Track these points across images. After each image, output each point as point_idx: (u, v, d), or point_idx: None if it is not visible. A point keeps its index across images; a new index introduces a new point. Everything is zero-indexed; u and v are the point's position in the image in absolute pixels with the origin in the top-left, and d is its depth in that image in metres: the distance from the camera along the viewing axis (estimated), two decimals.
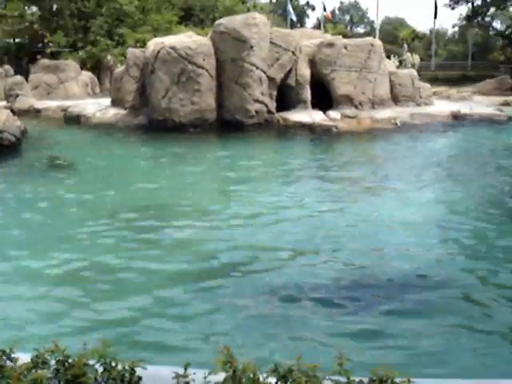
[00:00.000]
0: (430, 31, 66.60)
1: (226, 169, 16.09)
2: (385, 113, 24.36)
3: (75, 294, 7.11)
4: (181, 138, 20.84)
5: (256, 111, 22.70)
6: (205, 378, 2.94)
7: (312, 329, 6.18)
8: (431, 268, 7.97)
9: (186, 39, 23.88)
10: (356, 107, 24.44)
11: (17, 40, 44.74)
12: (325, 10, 51.72)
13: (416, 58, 38.72)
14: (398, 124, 23.68)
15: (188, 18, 48.32)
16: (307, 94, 24.13)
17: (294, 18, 43.31)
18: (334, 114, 23.75)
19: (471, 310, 6.68)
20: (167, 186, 13.72)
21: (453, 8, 65.13)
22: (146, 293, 7.10)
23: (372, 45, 25.06)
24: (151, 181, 14.12)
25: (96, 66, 39.27)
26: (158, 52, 22.87)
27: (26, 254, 8.68)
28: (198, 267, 8.09)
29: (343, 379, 2.93)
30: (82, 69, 37.09)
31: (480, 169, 15.77)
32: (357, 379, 2.95)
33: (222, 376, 2.88)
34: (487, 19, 74.51)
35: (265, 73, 22.94)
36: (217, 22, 24.50)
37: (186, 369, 3.00)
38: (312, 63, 24.52)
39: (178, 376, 2.95)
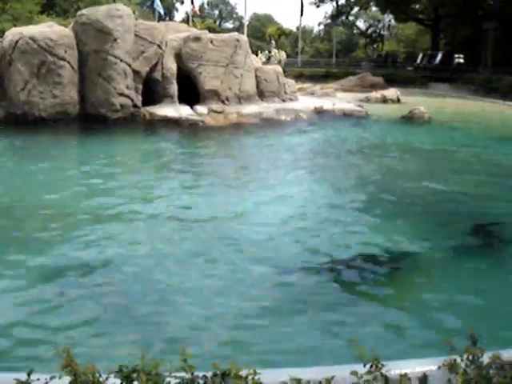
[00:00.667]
0: (297, 28, 68.35)
1: (85, 165, 15.59)
2: (251, 108, 24.65)
3: None
4: (40, 133, 19.97)
5: (121, 105, 22.24)
6: (46, 383, 2.84)
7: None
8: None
9: (47, 30, 22.92)
10: (223, 102, 24.54)
11: None
12: (192, 3, 51.58)
13: (282, 55, 39.74)
14: (264, 119, 24.06)
15: (51, 8, 46.56)
16: (174, 88, 23.94)
17: (162, 12, 42.86)
18: (200, 108, 23.73)
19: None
20: (15, 185, 13.04)
21: (318, 6, 67.28)
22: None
23: (238, 40, 25.24)
24: None
25: None
26: (17, 42, 21.77)
27: None
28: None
29: (187, 375, 2.91)
30: None
31: (337, 161, 16.48)
32: (200, 374, 2.94)
33: (65, 380, 2.78)
34: (351, 18, 77.65)
35: (129, 66, 22.53)
36: (79, 12, 23.77)
37: (29, 375, 2.86)
38: (178, 57, 24.33)
39: (20, 383, 2.81)
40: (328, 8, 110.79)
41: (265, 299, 6.81)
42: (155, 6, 44.60)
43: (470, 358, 3.12)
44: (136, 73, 22.83)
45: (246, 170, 15.04)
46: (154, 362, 2.94)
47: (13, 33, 22.81)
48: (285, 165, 15.76)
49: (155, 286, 7.14)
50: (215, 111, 23.84)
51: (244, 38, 26.40)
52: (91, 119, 21.84)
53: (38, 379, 2.86)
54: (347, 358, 3.59)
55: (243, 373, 2.93)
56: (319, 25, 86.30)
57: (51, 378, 2.86)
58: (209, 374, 2.95)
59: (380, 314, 6.51)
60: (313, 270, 7.79)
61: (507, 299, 7.02)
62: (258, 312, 6.48)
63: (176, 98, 23.91)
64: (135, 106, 22.75)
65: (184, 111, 23.19)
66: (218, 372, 2.94)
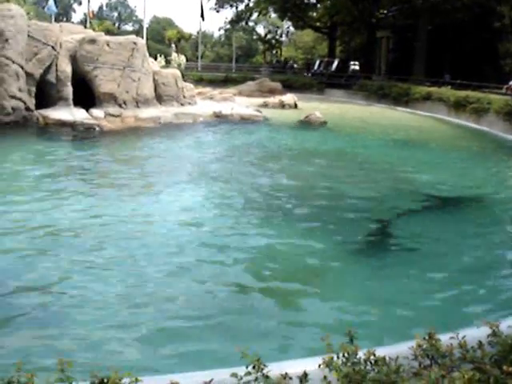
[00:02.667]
0: (197, 33, 68.37)
1: None
2: (149, 112, 24.44)
3: None
4: None
5: (13, 108, 21.44)
6: None
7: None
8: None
9: None
10: (120, 106, 24.18)
11: None
12: (89, 2, 50.58)
13: (182, 59, 39.58)
14: (162, 123, 23.93)
15: None
16: (68, 91, 23.32)
17: (55, 10, 41.65)
18: (97, 112, 23.26)
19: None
20: None
21: (218, 11, 67.48)
22: None
23: (135, 43, 24.94)
24: None
25: None
26: None
27: None
28: None
29: None
30: None
31: (233, 166, 16.65)
32: None
33: None
34: (251, 24, 78.48)
35: (22, 68, 21.79)
36: None
37: None
38: (74, 59, 23.77)
39: None
40: (228, 13, 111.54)
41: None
42: (46, 9, 43.33)
43: (346, 355, 3.23)
44: (29, 75, 22.11)
45: (140, 175, 14.87)
46: (29, 374, 2.88)
47: None
48: (179, 170, 15.64)
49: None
50: (112, 115, 23.46)
51: (141, 41, 26.16)
52: None
53: None
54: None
55: (125, 381, 2.92)
56: (219, 30, 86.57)
57: None
58: (87, 383, 2.92)
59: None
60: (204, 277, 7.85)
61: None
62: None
63: (71, 101, 23.30)
64: (28, 109, 22.01)
65: (79, 115, 22.64)
66: (95, 380, 2.91)
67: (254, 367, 3.14)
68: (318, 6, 59.67)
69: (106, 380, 2.91)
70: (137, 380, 2.94)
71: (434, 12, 43.67)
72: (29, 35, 22.31)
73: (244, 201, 12.25)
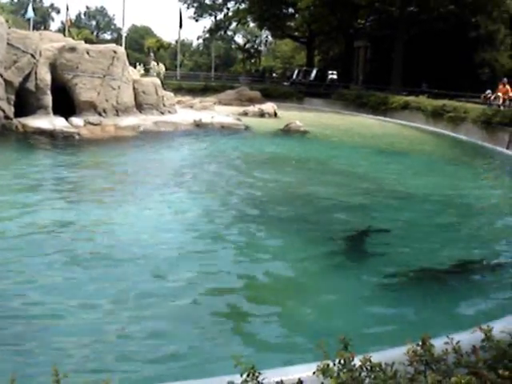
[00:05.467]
0: (176, 42, 68.36)
1: None
2: (129, 120, 24.36)
3: None
4: None
5: None
6: None
7: None
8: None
9: None
10: (100, 114, 24.06)
11: None
12: (67, 11, 50.48)
13: (161, 68, 39.57)
14: (142, 131, 23.86)
15: None
16: (48, 99, 23.15)
17: (31, 15, 41.56)
18: (76, 120, 23.12)
19: None
20: None
21: (197, 20, 67.59)
22: None
23: (115, 52, 24.87)
24: None
25: None
26: None
27: None
28: None
29: None
30: None
31: (214, 174, 16.69)
32: None
33: None
34: (229, 33, 78.66)
35: (1, 76, 21.62)
36: None
37: None
38: (53, 67, 23.63)
39: None
40: (207, 22, 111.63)
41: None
42: (27, 15, 43.25)
43: (342, 361, 3.25)
44: (8, 83, 21.93)
45: (118, 183, 14.81)
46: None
47: None
48: (159, 178, 15.52)
49: None
50: (92, 123, 23.32)
51: (121, 49, 26.10)
52: None
53: None
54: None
55: None
56: (198, 39, 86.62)
57: None
58: None
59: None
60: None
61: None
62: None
63: (50, 110, 23.13)
64: (7, 117, 21.83)
65: (59, 123, 22.48)
66: None
67: (248, 375, 3.15)
68: (297, 15, 60.03)
69: None
70: None
71: (410, 22, 44.21)
72: (8, 43, 22.14)
73: (223, 209, 12.23)
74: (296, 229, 10.87)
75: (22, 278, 7.75)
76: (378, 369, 3.26)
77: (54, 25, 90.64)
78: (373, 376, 3.20)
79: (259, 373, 3.15)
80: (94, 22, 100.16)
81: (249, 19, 65.37)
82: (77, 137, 21.89)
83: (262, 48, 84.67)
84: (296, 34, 64.28)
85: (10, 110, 22.09)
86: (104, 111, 24.19)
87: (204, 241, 9.81)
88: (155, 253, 9.00)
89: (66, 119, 23.05)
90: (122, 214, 11.53)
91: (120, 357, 5.70)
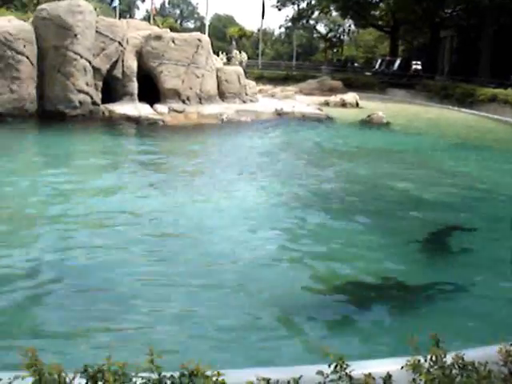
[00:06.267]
0: (258, 30, 68.44)
1: (44, 163, 15.36)
2: (211, 108, 24.64)
3: None
4: None
5: (80, 102, 21.97)
6: (10, 383, 2.77)
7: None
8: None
9: (6, 23, 22.48)
10: (183, 102, 24.47)
11: None
12: (152, 2, 51.28)
13: (244, 56, 39.66)
14: (225, 120, 24.08)
15: (10, 2, 45.61)
16: (134, 86, 23.75)
17: (117, 3, 42.52)
18: (161, 107, 23.62)
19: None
20: None
21: (279, 9, 67.31)
22: None
23: (200, 40, 25.19)
24: None
25: None
26: None
27: None
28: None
29: (155, 375, 2.90)
30: None
31: (297, 164, 16.56)
32: (168, 374, 2.93)
33: (30, 380, 2.73)
34: (312, 22, 78.04)
35: (90, 62, 22.28)
36: (39, 7, 23.43)
37: None
38: (139, 55, 24.18)
39: None
40: (289, 11, 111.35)
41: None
42: (113, 4, 44.26)
43: (434, 358, 3.18)
44: (96, 70, 22.59)
45: (199, 169, 15.07)
46: (121, 362, 2.92)
47: None
48: (242, 166, 15.75)
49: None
50: (175, 110, 23.75)
51: (206, 38, 26.35)
52: (49, 116, 21.51)
53: (1, 379, 2.80)
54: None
55: (210, 373, 2.94)
56: (280, 27, 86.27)
57: (15, 378, 2.80)
58: (176, 374, 2.94)
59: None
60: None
61: None
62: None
63: (136, 96, 23.74)
64: (94, 103, 22.50)
65: (144, 110, 23.04)
66: (185, 372, 2.94)
67: (336, 366, 3.13)
68: (381, 4, 58.93)
69: (194, 372, 2.94)
70: (219, 374, 2.97)
71: (500, 11, 42.60)
72: (97, 31, 22.78)
73: (306, 199, 12.15)
74: (378, 224, 10.63)
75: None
76: (470, 367, 3.18)
77: (139, 13, 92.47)
78: (465, 374, 3.12)
79: (347, 364, 3.13)
80: (177, 11, 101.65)
81: (332, 8, 64.65)
82: (161, 123, 22.37)
83: (345, 37, 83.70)
84: (380, 23, 63.15)
85: (98, 96, 22.74)
86: (187, 99, 24.56)
87: (283, 231, 9.81)
88: (240, 239, 9.12)
89: (151, 106, 23.57)
90: (203, 198, 11.71)
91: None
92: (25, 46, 21.58)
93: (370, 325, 6.43)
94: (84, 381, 2.81)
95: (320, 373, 3.14)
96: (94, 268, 7.62)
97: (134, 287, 7.04)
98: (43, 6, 23.07)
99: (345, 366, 3.14)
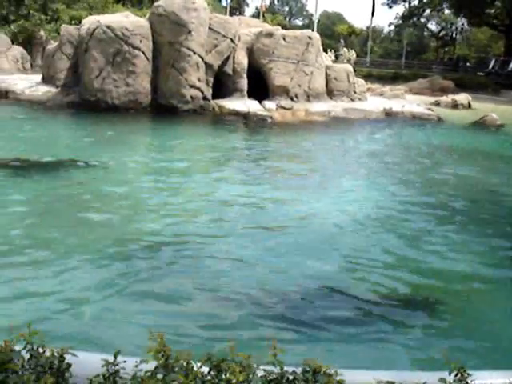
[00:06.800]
0: (367, 28, 67.61)
1: (157, 155, 15.82)
2: (319, 106, 24.57)
3: None
4: (113, 121, 20.35)
5: (191, 97, 22.49)
6: (136, 366, 2.84)
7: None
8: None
9: (123, 19, 23.39)
10: (291, 99, 24.54)
11: None
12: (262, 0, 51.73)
13: (352, 54, 39.37)
14: (332, 118, 23.94)
15: None
16: (244, 82, 24.06)
17: (228, 0, 43.21)
18: (269, 104, 23.81)
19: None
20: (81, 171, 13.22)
21: (390, 7, 66.38)
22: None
23: (310, 38, 25.16)
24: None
25: (28, 41, 37.91)
26: (94, 30, 22.26)
27: None
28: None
29: (276, 369, 2.90)
30: (12, 43, 35.73)
31: (408, 167, 16.03)
32: (290, 369, 2.93)
33: (153, 365, 2.80)
34: (423, 20, 76.31)
35: (202, 58, 22.73)
36: (156, 3, 24.07)
37: (115, 356, 2.89)
38: (250, 52, 24.44)
39: (107, 363, 2.84)
40: (400, 9, 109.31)
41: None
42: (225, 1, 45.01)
43: None
44: (208, 66, 23.02)
45: (305, 167, 15.00)
46: (245, 354, 2.94)
47: (90, 21, 23.29)
48: (352, 167, 15.59)
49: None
50: (283, 107, 23.87)
51: (316, 35, 26.26)
52: (162, 109, 22.17)
53: (125, 361, 2.88)
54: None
55: (330, 371, 2.90)
56: (389, 25, 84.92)
57: (141, 362, 2.86)
58: (298, 370, 2.93)
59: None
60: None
61: None
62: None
63: (245, 93, 24.06)
64: (205, 98, 22.96)
65: (252, 106, 23.29)
66: (308, 369, 2.92)
67: (456, 374, 3.04)
68: (496, 2, 56.68)
69: (317, 369, 2.92)
70: (336, 373, 2.92)
71: None
72: (210, 28, 23.20)
73: (412, 204, 11.71)
74: (495, 234, 10.02)
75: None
76: None
77: (249, 10, 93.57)
78: None
79: (468, 373, 3.03)
80: (286, 8, 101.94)
81: (444, 6, 62.94)
82: (269, 120, 22.54)
83: (457, 36, 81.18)
84: (494, 21, 60.82)
85: (209, 92, 23.18)
86: (296, 96, 24.61)
87: (395, 235, 9.51)
88: (347, 241, 9.02)
89: (259, 102, 23.78)
90: (308, 196, 11.66)
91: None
92: (141, 42, 22.30)
93: None
94: (207, 369, 2.84)
95: (442, 380, 3.06)
96: None
97: None
98: (159, 2, 23.71)
99: (466, 375, 3.04)
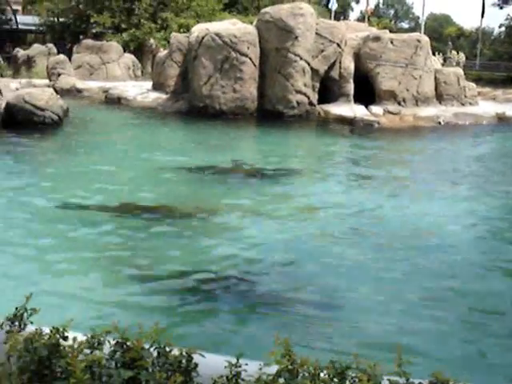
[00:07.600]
0: (476, 29, 65.42)
1: (267, 159, 15.94)
2: (428, 111, 23.98)
3: None
4: (221, 126, 20.73)
5: (297, 102, 22.56)
6: (260, 369, 2.84)
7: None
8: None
9: (231, 26, 23.79)
10: (399, 103, 24.07)
11: (61, 19, 44.82)
12: (368, 2, 51.24)
13: (461, 57, 38.22)
14: (442, 123, 23.31)
15: (232, 5, 48.12)
16: (350, 87, 23.84)
17: (335, 6, 42.97)
18: (376, 109, 23.47)
19: None
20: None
21: (501, 8, 63.90)
22: None
23: (419, 41, 24.62)
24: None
25: (138, 49, 39.33)
26: (203, 38, 22.80)
27: None
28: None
29: (402, 380, 2.83)
30: (124, 51, 37.15)
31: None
32: (416, 381, 2.85)
33: (274, 368, 2.79)
34: None
35: (308, 64, 22.75)
36: (263, 10, 24.36)
37: (238, 359, 2.91)
38: (357, 57, 24.22)
39: (231, 365, 2.87)
40: (511, 10, 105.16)
41: None
42: (330, 5, 44.88)
43: None
44: (314, 71, 23.01)
45: (412, 174, 14.68)
46: (369, 362, 2.88)
47: (199, 29, 23.86)
48: (453, 174, 14.84)
49: None
50: (391, 112, 23.48)
51: (425, 38, 25.68)
52: (268, 115, 22.34)
53: (247, 364, 2.88)
54: None
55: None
56: (500, 26, 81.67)
57: (265, 365, 2.85)
58: (425, 382, 2.84)
59: None
60: None
61: None
62: None
63: (352, 98, 23.82)
64: (311, 103, 22.96)
65: (359, 111, 23.05)
66: (435, 381, 2.82)
67: None
68: None
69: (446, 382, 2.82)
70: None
71: None
72: (316, 33, 23.17)
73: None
74: None
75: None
76: None
77: (353, 15, 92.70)
78: None
79: None
80: (392, 11, 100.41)
81: None
82: (376, 125, 22.23)
83: None
84: None
85: (314, 97, 23.17)
86: (403, 101, 24.13)
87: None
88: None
89: (365, 107, 23.50)
90: (412, 204, 11.43)
91: None
92: (248, 48, 22.61)
93: None
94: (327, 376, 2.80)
95: None
96: None
97: None
98: (266, 9, 23.97)
99: None
